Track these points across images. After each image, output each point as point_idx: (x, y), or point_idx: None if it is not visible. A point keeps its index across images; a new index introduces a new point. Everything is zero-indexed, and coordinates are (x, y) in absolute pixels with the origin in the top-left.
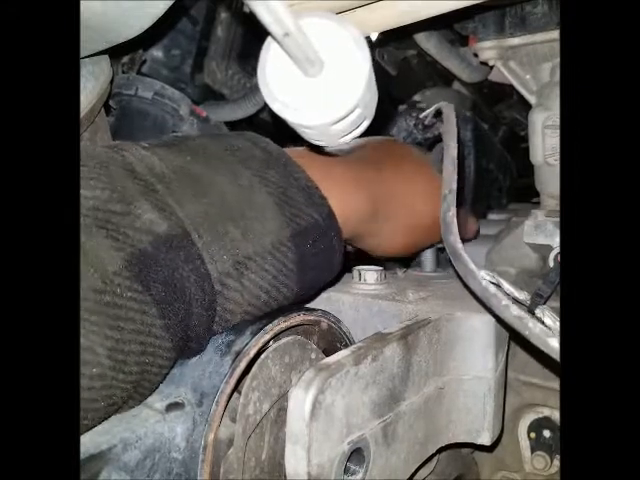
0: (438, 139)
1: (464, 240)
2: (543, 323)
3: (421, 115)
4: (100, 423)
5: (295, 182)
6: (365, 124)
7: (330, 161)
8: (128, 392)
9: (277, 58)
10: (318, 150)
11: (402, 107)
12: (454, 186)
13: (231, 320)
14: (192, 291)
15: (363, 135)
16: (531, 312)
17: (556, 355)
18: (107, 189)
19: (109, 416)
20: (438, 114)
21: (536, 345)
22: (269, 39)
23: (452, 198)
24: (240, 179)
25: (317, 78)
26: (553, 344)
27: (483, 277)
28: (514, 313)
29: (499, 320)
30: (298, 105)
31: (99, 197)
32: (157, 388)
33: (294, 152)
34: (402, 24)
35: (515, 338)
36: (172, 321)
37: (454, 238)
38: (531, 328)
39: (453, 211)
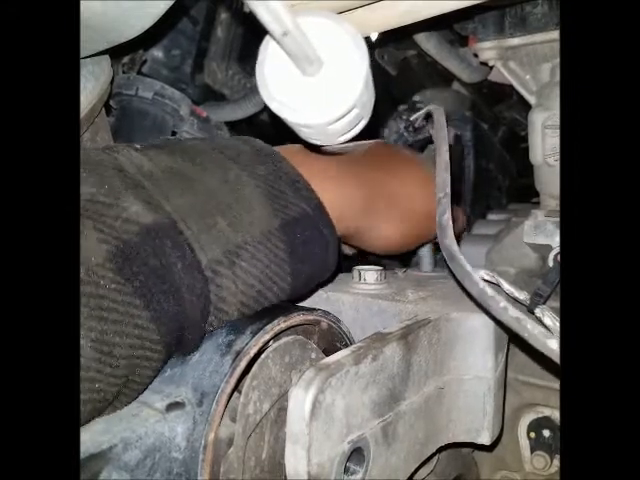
0: (429, 141)
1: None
2: (542, 323)
3: (411, 117)
4: (92, 418)
5: (284, 176)
6: (362, 124)
7: (323, 158)
8: (118, 387)
9: (275, 57)
10: (312, 148)
11: (402, 107)
12: (448, 190)
13: (227, 311)
14: (181, 278)
15: (360, 134)
16: (531, 312)
17: (555, 357)
18: (95, 186)
19: (100, 411)
20: (428, 117)
21: (535, 347)
22: (267, 37)
23: (447, 201)
24: (228, 174)
25: (315, 77)
26: (552, 345)
27: (482, 276)
28: (512, 315)
29: (498, 322)
30: (296, 104)
31: (88, 192)
32: (149, 384)
33: (288, 149)
34: (403, 24)
35: (515, 340)
36: (159, 312)
37: (450, 241)
38: (530, 329)
39: (448, 214)
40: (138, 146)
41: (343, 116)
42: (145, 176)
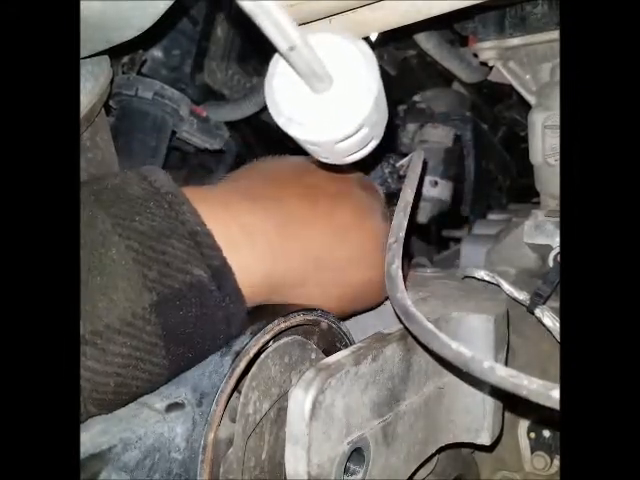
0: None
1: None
2: (542, 323)
3: (397, 164)
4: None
5: (180, 226)
6: (373, 144)
7: (256, 216)
8: None
9: (285, 72)
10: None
11: (402, 107)
12: (402, 235)
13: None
14: None
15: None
16: (531, 312)
17: None
18: None
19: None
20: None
21: (538, 402)
22: (277, 55)
23: (398, 248)
24: (93, 232)
25: (324, 94)
26: (557, 396)
27: (482, 277)
28: (502, 374)
29: (477, 384)
30: (303, 120)
31: None
32: None
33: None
34: (403, 24)
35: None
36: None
37: (401, 295)
38: (527, 386)
39: (398, 263)
40: None
41: (351, 135)
42: None
